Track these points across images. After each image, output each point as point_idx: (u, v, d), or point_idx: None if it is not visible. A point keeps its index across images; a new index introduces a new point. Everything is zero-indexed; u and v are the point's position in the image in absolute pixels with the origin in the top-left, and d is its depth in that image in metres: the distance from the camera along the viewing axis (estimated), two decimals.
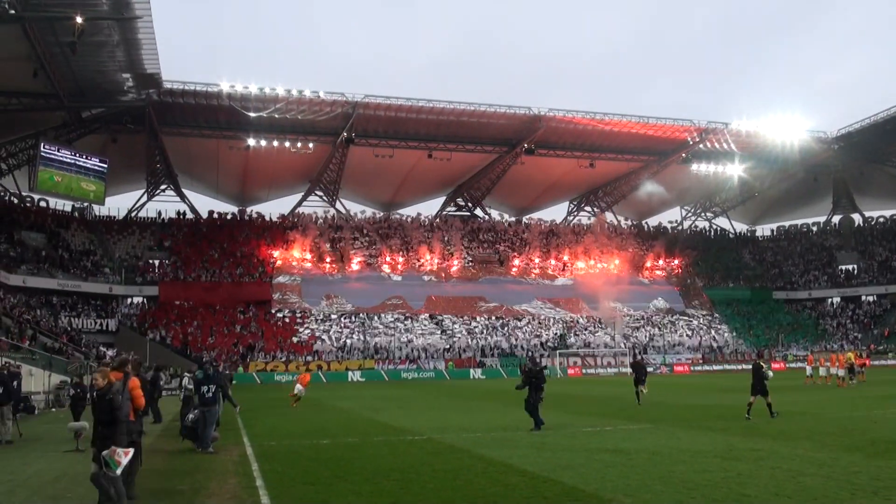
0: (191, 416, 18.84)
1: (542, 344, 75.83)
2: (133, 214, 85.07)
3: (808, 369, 45.29)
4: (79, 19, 47.53)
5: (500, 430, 21.42)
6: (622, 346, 76.43)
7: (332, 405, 34.42)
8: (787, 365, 74.74)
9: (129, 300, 74.34)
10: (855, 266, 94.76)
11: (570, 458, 15.34)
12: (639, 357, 45.59)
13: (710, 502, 10.84)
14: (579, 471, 13.74)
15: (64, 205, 78.56)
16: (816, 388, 39.14)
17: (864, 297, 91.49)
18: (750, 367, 25.13)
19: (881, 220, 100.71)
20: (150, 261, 78.32)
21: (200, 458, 17.07)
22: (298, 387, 35.68)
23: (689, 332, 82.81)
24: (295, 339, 71.42)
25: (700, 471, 13.47)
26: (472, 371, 68.46)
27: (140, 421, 13.29)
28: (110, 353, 57.18)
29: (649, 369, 67.57)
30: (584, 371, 71.45)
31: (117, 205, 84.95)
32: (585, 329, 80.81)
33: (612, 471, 13.69)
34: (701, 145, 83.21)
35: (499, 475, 13.50)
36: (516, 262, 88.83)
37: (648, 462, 14.57)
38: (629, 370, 38.19)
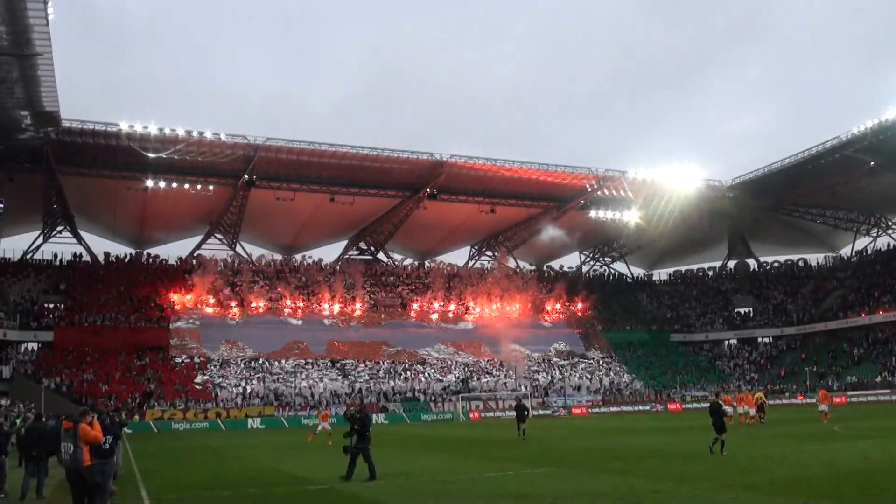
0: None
1: (444, 388, 75.89)
2: (28, 256, 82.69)
3: (728, 409, 45.71)
4: None
5: (403, 477, 21.34)
6: (523, 388, 76.86)
7: (233, 454, 33.82)
8: (685, 406, 76.29)
9: (23, 346, 71.85)
10: (751, 309, 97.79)
11: None
12: (521, 401, 47.35)
13: None
14: None
15: None
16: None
17: (760, 339, 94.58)
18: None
19: (776, 264, 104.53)
20: (46, 304, 75.98)
21: None
22: (323, 425, 38.66)
23: (589, 375, 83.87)
24: (196, 386, 70.03)
25: None
26: (374, 416, 67.70)
27: (100, 463, 13.21)
28: (4, 402, 55.29)
29: (548, 411, 69.33)
30: (483, 414, 71.27)
31: (12, 246, 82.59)
32: (487, 372, 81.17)
33: None
34: (599, 192, 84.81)
35: None
36: (418, 306, 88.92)
37: None
38: (513, 412, 41.61)
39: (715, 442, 24.23)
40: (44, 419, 23.58)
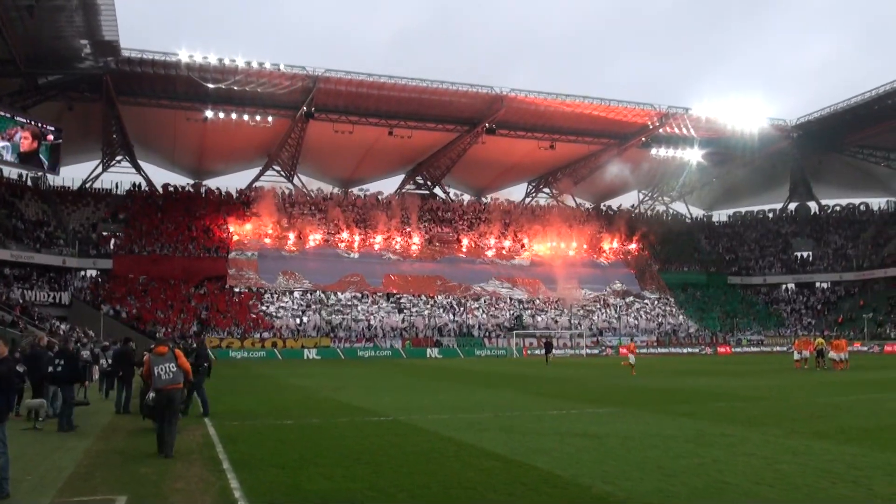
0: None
1: (498, 324, 75.87)
2: (88, 185, 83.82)
3: (796, 353, 44.87)
4: None
5: (465, 412, 21.14)
6: (579, 327, 76.67)
7: (291, 383, 34.00)
8: (734, 349, 75.70)
9: (82, 273, 72.97)
10: (810, 253, 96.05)
11: (540, 442, 15.08)
12: (548, 339, 51.20)
13: (691, 490, 10.61)
14: (553, 455, 13.48)
15: (18, 174, 76.72)
16: (779, 373, 39.19)
17: (818, 284, 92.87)
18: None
19: (837, 208, 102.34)
20: (104, 233, 76.97)
21: None
22: (631, 356, 40.98)
23: (645, 315, 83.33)
24: (253, 316, 70.75)
25: (675, 457, 13.28)
26: (428, 350, 68.26)
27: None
28: (63, 326, 56.25)
29: (597, 350, 72.12)
30: (535, 351, 70.36)
31: (72, 175, 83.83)
32: (542, 310, 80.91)
33: (586, 456, 13.46)
34: (661, 130, 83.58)
35: (472, 459, 13.20)
36: (473, 241, 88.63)
37: (621, 447, 14.36)
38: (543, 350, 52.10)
39: None
40: (133, 344, 24.87)
